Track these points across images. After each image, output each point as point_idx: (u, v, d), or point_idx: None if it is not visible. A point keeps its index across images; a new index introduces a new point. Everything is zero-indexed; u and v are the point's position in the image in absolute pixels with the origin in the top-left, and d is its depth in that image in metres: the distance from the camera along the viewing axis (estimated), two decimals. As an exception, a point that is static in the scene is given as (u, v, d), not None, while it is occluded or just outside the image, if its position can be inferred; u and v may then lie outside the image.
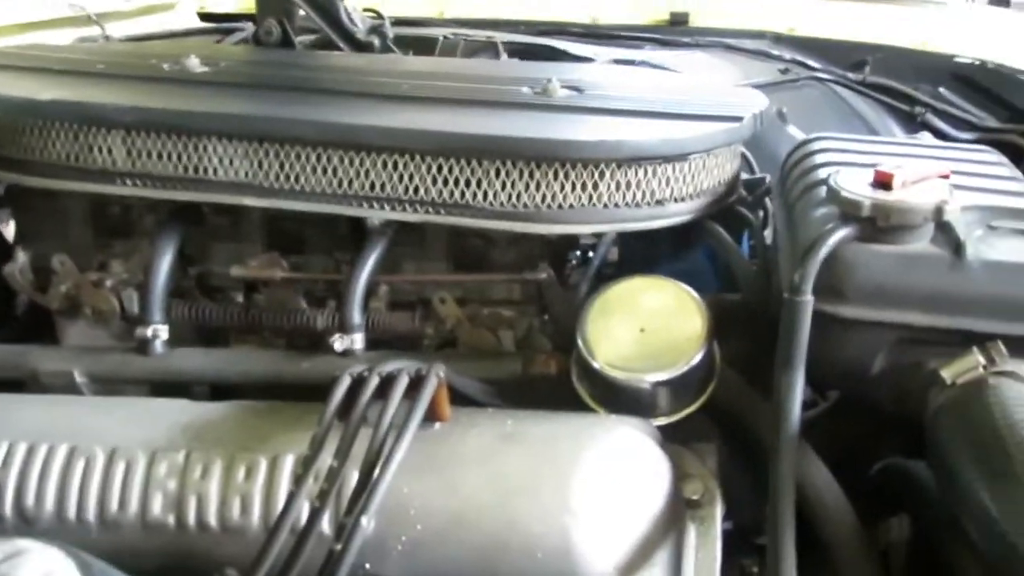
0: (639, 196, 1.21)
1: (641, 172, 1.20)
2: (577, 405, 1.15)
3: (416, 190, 1.22)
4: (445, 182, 1.21)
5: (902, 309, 0.98)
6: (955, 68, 2.34)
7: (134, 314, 1.36)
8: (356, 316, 1.24)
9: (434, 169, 1.20)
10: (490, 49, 2.23)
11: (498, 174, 1.19)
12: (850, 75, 2.31)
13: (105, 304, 1.38)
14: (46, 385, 1.28)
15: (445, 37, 2.24)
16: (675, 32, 2.50)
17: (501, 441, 1.02)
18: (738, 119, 1.26)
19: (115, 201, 1.38)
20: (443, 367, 1.04)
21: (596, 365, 1.10)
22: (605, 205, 1.20)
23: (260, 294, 1.39)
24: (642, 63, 2.12)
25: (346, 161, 1.22)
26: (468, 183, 1.20)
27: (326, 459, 0.97)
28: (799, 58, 2.36)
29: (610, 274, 1.35)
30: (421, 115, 1.28)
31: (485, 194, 1.20)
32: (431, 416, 1.02)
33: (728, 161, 1.30)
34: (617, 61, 2.13)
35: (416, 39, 2.15)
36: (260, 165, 1.25)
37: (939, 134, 2.15)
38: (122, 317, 1.38)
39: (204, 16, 2.63)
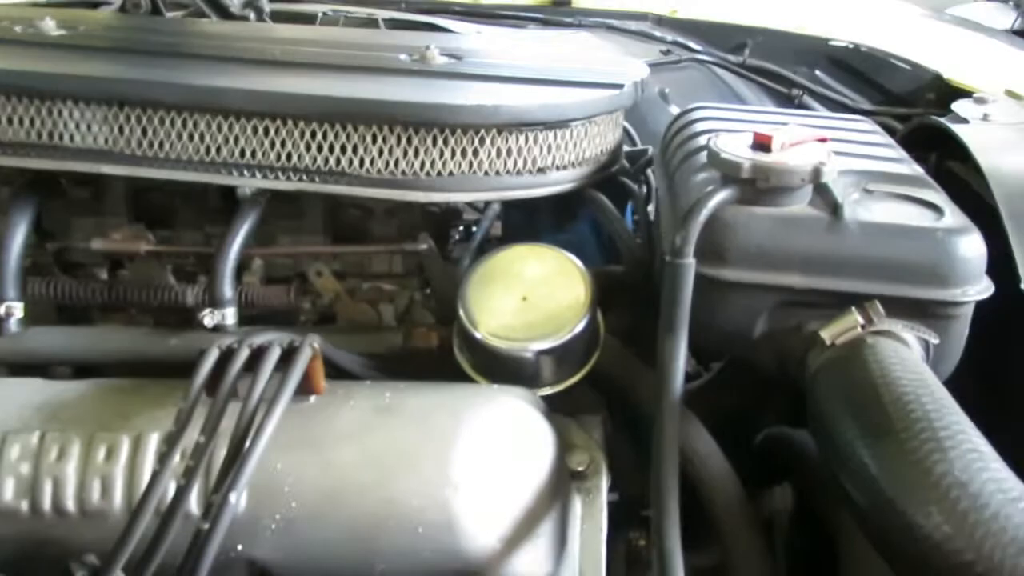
0: (520, 163, 1.18)
1: (522, 138, 1.17)
2: (460, 378, 1.12)
3: (289, 157, 1.17)
4: (320, 148, 1.16)
5: (782, 271, 0.98)
6: (830, 51, 2.38)
7: None
8: (227, 290, 1.18)
9: (307, 135, 1.15)
10: (370, 25, 2.17)
11: (375, 140, 1.15)
12: (730, 57, 2.33)
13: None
14: None
15: (324, 13, 2.18)
16: (558, 12, 2.49)
17: (378, 414, 0.98)
18: (619, 86, 1.24)
19: None
20: (318, 339, 1.00)
21: (478, 335, 1.07)
22: (486, 172, 1.17)
23: (125, 270, 1.31)
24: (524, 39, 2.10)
25: (214, 126, 1.16)
26: (344, 149, 1.15)
27: (192, 435, 0.92)
28: (681, 40, 2.37)
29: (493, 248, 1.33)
30: (294, 79, 1.22)
31: (362, 161, 1.16)
32: (305, 389, 0.97)
33: (610, 130, 1.28)
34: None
35: (294, 14, 2.08)
36: (120, 131, 1.18)
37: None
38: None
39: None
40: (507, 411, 0.99)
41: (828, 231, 0.97)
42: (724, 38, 2.39)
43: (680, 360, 0.96)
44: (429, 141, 1.15)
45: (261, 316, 1.26)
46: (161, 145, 1.18)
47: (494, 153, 1.17)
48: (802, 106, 2.28)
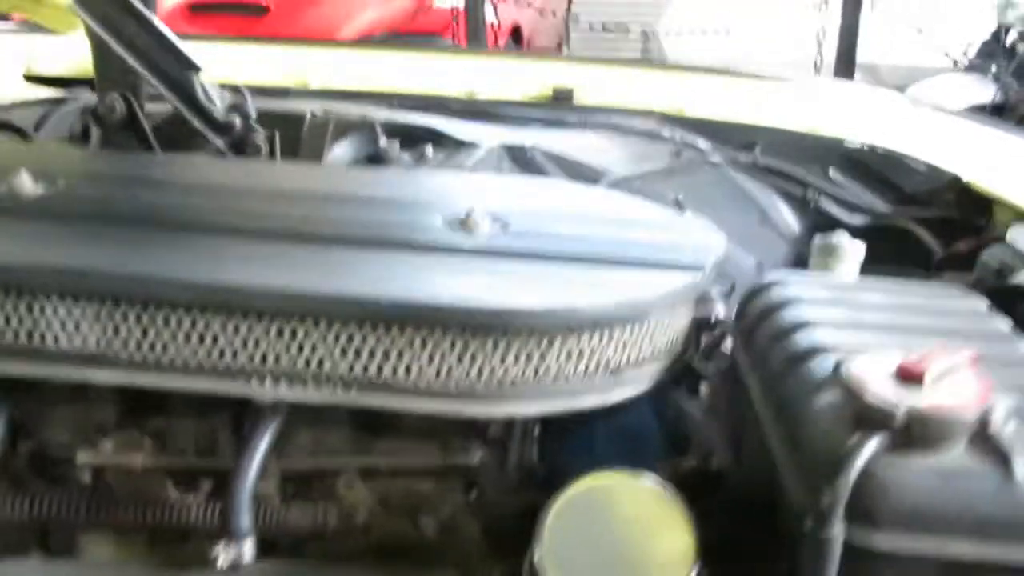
0: (592, 366, 1.01)
1: (596, 339, 1.00)
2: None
3: (320, 363, 0.98)
4: (357, 355, 0.97)
5: (946, 538, 0.81)
6: (844, 151, 2.27)
7: None
8: (245, 520, 0.99)
9: (343, 339, 0.97)
10: (365, 129, 2.00)
11: (424, 346, 0.97)
12: (741, 158, 2.20)
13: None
14: None
15: (313, 114, 2.00)
16: (560, 109, 2.33)
17: None
18: (700, 268, 1.08)
19: None
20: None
21: (556, 591, 0.89)
22: (554, 379, 1.00)
23: (113, 473, 1.11)
24: (533, 148, 1.95)
25: (229, 328, 0.97)
26: (387, 356, 0.97)
27: None
28: (688, 140, 2.24)
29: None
30: (321, 265, 1.03)
31: (408, 369, 0.97)
32: None
33: (686, 313, 1.11)
34: (507, 148, 1.94)
35: (280, 116, 1.90)
36: (115, 331, 0.98)
37: (832, 219, 2.07)
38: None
39: (31, 79, 2.28)
40: None
41: (1002, 488, 0.80)
42: (732, 137, 2.26)
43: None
44: (488, 347, 0.97)
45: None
46: (165, 348, 0.99)
47: (563, 357, 0.99)
48: (817, 209, 2.16)
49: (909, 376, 0.84)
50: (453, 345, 0.97)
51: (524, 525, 1.08)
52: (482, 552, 1.07)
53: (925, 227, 1.96)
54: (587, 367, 1.01)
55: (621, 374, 1.03)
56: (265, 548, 1.04)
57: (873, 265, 1.53)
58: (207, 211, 1.15)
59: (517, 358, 0.98)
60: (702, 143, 2.24)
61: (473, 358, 0.97)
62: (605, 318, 0.99)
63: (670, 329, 1.08)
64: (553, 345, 0.98)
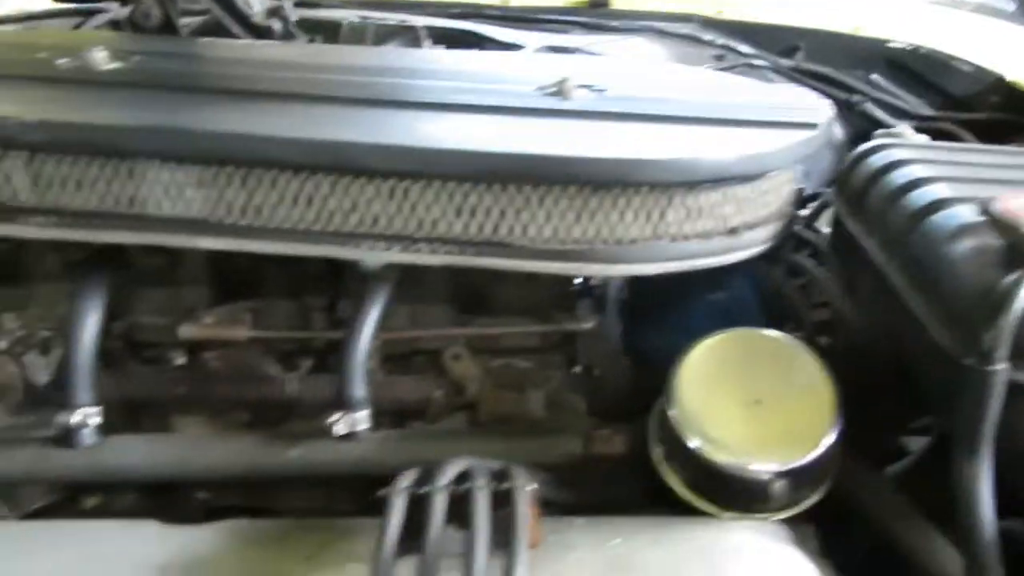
0: (711, 225, 0.98)
1: (716, 196, 0.97)
2: (654, 489, 0.92)
3: (434, 225, 0.95)
4: (472, 214, 0.94)
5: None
6: (888, 54, 2.22)
7: (42, 386, 1.03)
8: (360, 389, 0.96)
9: (457, 198, 0.93)
10: (408, 33, 1.95)
11: (542, 203, 0.93)
12: (783, 61, 2.16)
13: (1, 374, 1.04)
14: None
15: (351, 21, 1.95)
16: (599, 15, 2.28)
17: (615, 572, 0.76)
18: (813, 126, 1.04)
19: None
20: (523, 472, 0.78)
21: (694, 445, 0.86)
22: (672, 238, 0.96)
23: (210, 353, 1.08)
24: (576, 50, 1.90)
25: (339, 189, 0.94)
26: (503, 215, 0.94)
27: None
28: (730, 43, 2.19)
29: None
30: (427, 128, 1.00)
31: (525, 228, 0.94)
32: (520, 542, 0.76)
33: (794, 177, 1.08)
34: (550, 48, 1.89)
35: (318, 22, 1.85)
36: (220, 196, 0.95)
37: (877, 124, 2.03)
38: (26, 391, 1.04)
39: (61, -9, 2.22)
40: (770, 563, 0.79)
41: None
42: (774, 40, 2.21)
43: (988, 490, 0.77)
44: (608, 203, 0.94)
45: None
46: (272, 213, 0.95)
47: (683, 214, 0.96)
48: (863, 113, 2.13)
49: (1065, 210, 0.81)
50: (571, 202, 0.93)
51: (629, 400, 1.06)
52: (592, 423, 1.04)
53: (971, 130, 1.92)
54: (706, 226, 0.98)
55: (739, 235, 1.00)
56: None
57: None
58: (297, 81, 1.10)
59: (636, 215, 0.95)
60: (744, 46, 2.20)
61: (591, 215, 0.94)
62: (726, 172, 0.96)
63: (783, 191, 1.05)
64: (672, 201, 0.95)
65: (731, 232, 1.00)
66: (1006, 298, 0.77)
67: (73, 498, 1.05)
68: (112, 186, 0.94)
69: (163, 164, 0.94)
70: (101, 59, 1.11)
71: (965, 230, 0.88)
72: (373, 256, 0.96)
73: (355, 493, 1.02)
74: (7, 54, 1.19)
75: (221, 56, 1.22)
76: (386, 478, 0.81)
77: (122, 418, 1.05)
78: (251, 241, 0.96)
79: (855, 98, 2.13)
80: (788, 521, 0.90)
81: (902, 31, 2.26)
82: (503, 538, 0.73)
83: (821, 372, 0.90)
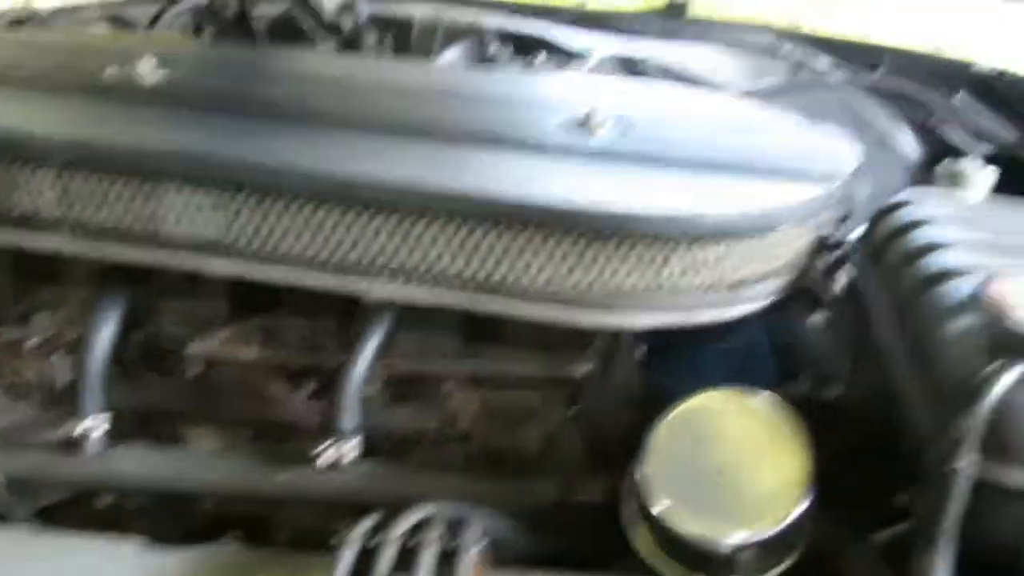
0: (714, 278, 0.97)
1: (720, 249, 0.96)
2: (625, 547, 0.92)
3: (435, 262, 0.96)
4: (472, 254, 0.95)
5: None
6: (972, 76, 2.14)
7: (63, 387, 1.09)
8: (350, 420, 0.99)
9: (459, 238, 0.95)
10: (475, 35, 1.96)
11: (540, 248, 0.94)
12: (861, 78, 2.10)
13: (27, 371, 1.10)
14: None
15: (422, 19, 1.96)
16: (673, 22, 2.25)
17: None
18: (832, 180, 1.02)
19: None
20: (480, 527, 0.80)
21: (657, 511, 0.86)
22: (670, 291, 0.96)
23: (221, 368, 1.11)
24: (646, 61, 1.88)
25: (345, 222, 0.96)
26: (502, 257, 0.95)
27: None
28: (807, 57, 2.14)
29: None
30: (440, 162, 1.01)
31: (522, 272, 0.95)
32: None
33: (812, 229, 1.06)
34: (620, 59, 1.88)
35: (389, 19, 1.87)
36: (233, 221, 0.98)
37: (955, 148, 1.97)
38: (47, 391, 1.10)
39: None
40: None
41: None
42: (852, 56, 2.15)
43: (947, 584, 0.76)
44: (607, 252, 0.94)
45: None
46: (281, 240, 0.98)
47: (682, 268, 0.96)
48: (940, 137, 2.06)
49: (1058, 300, 0.78)
50: (570, 249, 0.94)
51: (627, 443, 1.06)
52: (583, 467, 1.05)
53: None
54: (706, 280, 0.97)
55: (740, 289, 1.00)
56: (366, 452, 1.04)
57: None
58: (327, 105, 1.13)
59: (635, 266, 0.95)
60: (821, 61, 2.15)
61: (590, 264, 0.94)
62: (729, 228, 0.95)
63: (795, 244, 1.04)
64: (673, 254, 0.95)
65: (733, 287, 0.99)
66: (978, 392, 0.75)
67: (87, 497, 1.10)
68: (131, 205, 0.98)
69: (180, 186, 0.97)
70: (148, 70, 1.15)
71: (962, 308, 0.86)
72: (373, 289, 0.98)
73: (355, 510, 1.05)
74: (62, 59, 1.23)
75: (263, 69, 1.26)
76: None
77: (135, 425, 1.09)
78: (260, 266, 0.99)
79: (933, 119, 2.07)
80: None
81: (985, 47, 2.18)
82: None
83: (797, 438, 0.89)
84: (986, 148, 2.04)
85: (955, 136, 2.04)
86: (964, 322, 0.85)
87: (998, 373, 0.76)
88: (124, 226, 0.99)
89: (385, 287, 0.98)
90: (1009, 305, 0.79)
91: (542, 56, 1.80)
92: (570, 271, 0.95)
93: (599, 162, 1.04)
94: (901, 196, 1.13)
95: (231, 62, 1.28)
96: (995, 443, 0.76)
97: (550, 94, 1.24)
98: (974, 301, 0.84)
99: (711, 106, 1.30)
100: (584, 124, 1.09)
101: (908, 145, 2.04)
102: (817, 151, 1.10)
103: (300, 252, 0.98)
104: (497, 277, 0.96)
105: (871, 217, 1.14)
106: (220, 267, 1.00)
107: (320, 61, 1.37)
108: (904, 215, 1.07)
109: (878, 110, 2.08)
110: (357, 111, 1.11)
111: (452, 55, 1.84)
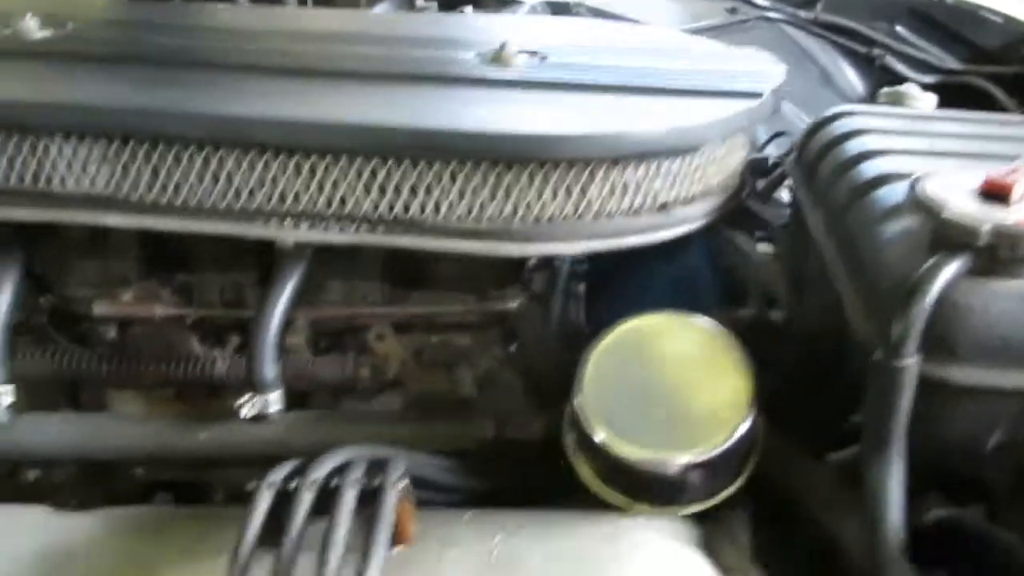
0: (639, 201, 0.93)
1: (642, 171, 0.91)
2: (571, 479, 0.88)
3: (343, 202, 0.91)
4: (383, 191, 0.90)
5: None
6: (912, 5, 2.12)
7: None
8: (270, 370, 0.93)
9: (367, 175, 0.89)
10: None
11: (454, 180, 0.89)
12: (801, 13, 2.07)
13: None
14: None
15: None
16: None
17: (491, 570, 0.73)
18: (757, 95, 0.98)
19: None
20: (402, 462, 0.75)
21: (599, 439, 0.82)
22: (595, 215, 0.91)
23: (138, 328, 1.06)
24: (579, 4, 1.83)
25: (244, 165, 0.90)
26: (414, 192, 0.90)
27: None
28: (744, -1, 2.10)
29: (584, 285, 1.07)
30: (344, 99, 0.96)
31: (438, 206, 0.90)
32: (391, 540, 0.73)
33: (742, 147, 1.02)
34: (550, 3, 1.83)
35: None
36: (124, 172, 0.92)
37: (898, 78, 1.94)
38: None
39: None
40: (656, 562, 0.75)
41: None
42: (794, -11, 2.12)
43: (898, 489, 0.72)
44: (524, 179, 0.89)
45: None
46: (177, 189, 0.92)
47: (607, 191, 0.91)
48: (884, 68, 2.03)
49: (994, 192, 0.74)
50: (485, 178, 0.89)
51: (568, 378, 1.02)
52: (521, 406, 1.00)
53: (999, 84, 1.82)
54: (632, 202, 0.92)
55: (670, 211, 0.95)
56: (300, 405, 1.00)
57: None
58: (222, 50, 1.07)
59: (555, 192, 0.90)
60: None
61: (507, 192, 0.89)
62: (653, 147, 0.90)
63: (724, 163, 0.99)
64: (595, 177, 0.90)
65: (662, 208, 0.94)
66: (917, 287, 0.71)
67: (13, 472, 1.05)
68: (16, 162, 0.92)
69: (66, 139, 0.91)
70: (33, 28, 1.10)
71: (897, 210, 0.82)
72: (282, 234, 0.93)
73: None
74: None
75: (155, 21, 1.20)
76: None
77: (61, 392, 1.04)
78: (158, 218, 0.93)
79: (876, 51, 2.04)
80: (716, 509, 0.86)
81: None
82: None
83: (738, 358, 0.85)
84: (930, 77, 2.01)
85: (898, 67, 2.01)
86: (901, 224, 0.81)
87: (937, 268, 0.71)
88: (11, 184, 0.93)
89: (296, 231, 0.92)
90: (944, 198, 0.75)
91: (470, 8, 1.74)
92: (488, 201, 0.90)
93: (514, 91, 0.99)
94: (834, 110, 1.09)
95: (120, 17, 1.22)
96: (938, 340, 0.72)
97: (465, 33, 1.19)
98: (909, 201, 0.80)
99: (630, 36, 1.25)
100: (498, 57, 1.04)
101: (851, 78, 2.01)
102: (739, 71, 1.06)
103: (199, 200, 0.92)
104: (411, 213, 0.90)
105: (803, 135, 1.09)
106: (114, 220, 0.94)
107: (220, 11, 1.31)
108: (837, 127, 1.03)
109: (819, 45, 2.05)
110: (256, 56, 1.06)
111: (379, 9, 1.78)
